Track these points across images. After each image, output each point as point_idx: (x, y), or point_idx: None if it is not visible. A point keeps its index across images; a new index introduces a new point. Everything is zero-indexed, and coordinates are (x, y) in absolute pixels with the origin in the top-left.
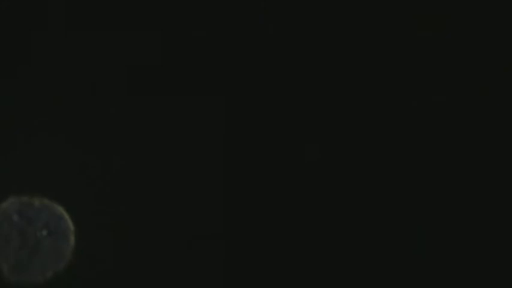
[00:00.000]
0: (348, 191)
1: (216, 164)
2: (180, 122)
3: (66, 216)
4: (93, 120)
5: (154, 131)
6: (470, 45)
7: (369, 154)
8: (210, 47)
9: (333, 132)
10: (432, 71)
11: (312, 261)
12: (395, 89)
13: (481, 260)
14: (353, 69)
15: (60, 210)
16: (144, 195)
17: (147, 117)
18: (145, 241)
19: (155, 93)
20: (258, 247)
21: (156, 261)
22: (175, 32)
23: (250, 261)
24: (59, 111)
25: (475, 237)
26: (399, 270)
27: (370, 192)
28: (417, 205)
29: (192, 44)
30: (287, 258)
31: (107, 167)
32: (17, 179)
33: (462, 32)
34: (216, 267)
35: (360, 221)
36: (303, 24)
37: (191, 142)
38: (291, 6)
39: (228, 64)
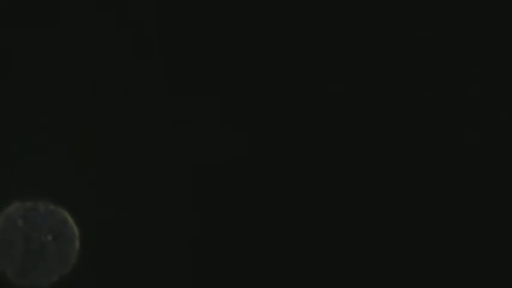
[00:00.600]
0: (348, 191)
1: (217, 164)
2: (181, 122)
3: (71, 221)
4: (98, 126)
5: (162, 136)
6: (470, 45)
7: (368, 154)
8: (208, 46)
9: (332, 132)
10: (432, 71)
11: (311, 261)
12: (396, 89)
13: (481, 260)
14: (352, 69)
15: (65, 215)
16: (148, 200)
17: (154, 121)
18: (149, 246)
19: (157, 93)
20: (258, 248)
21: (161, 267)
22: (174, 31)
23: (249, 262)
24: (63, 115)
25: (475, 237)
26: (399, 270)
27: (369, 192)
28: (417, 205)
29: (191, 43)
30: (285, 260)
31: (111, 171)
32: (22, 184)
33: (462, 32)
34: (218, 270)
35: (360, 221)
36: (303, 24)
37: (193, 142)
38: (291, 6)
39: (226, 64)
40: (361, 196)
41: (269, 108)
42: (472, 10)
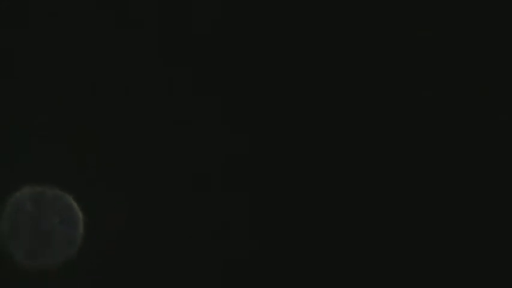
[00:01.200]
0: (347, 191)
1: (217, 163)
2: (181, 122)
3: (76, 206)
4: (98, 126)
5: (162, 136)
6: (470, 45)
7: (368, 154)
8: (208, 46)
9: (332, 132)
10: (432, 71)
11: (312, 261)
12: (396, 89)
13: (481, 260)
14: (352, 69)
15: (71, 200)
16: (149, 200)
17: (154, 121)
18: (150, 244)
19: (157, 93)
20: (258, 248)
21: (162, 251)
22: (174, 31)
23: (248, 261)
24: (63, 115)
25: (475, 237)
26: (399, 270)
27: (369, 192)
28: (417, 205)
29: (191, 43)
30: (286, 259)
31: (111, 171)
32: (21, 184)
33: (462, 32)
34: (217, 266)
35: (359, 221)
36: (303, 24)
37: (193, 142)
38: (290, 6)
39: (226, 64)
40: (361, 196)
41: (269, 108)
42: (472, 10)
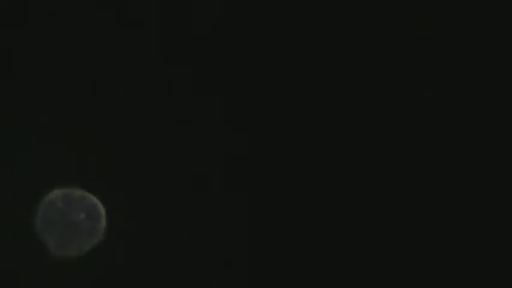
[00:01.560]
0: (347, 191)
1: (217, 163)
2: (181, 122)
3: (100, 203)
4: (98, 126)
5: (162, 136)
6: (470, 45)
7: (368, 154)
8: (208, 46)
9: (332, 132)
10: (432, 71)
11: (313, 261)
12: (396, 89)
13: (481, 260)
14: (352, 69)
15: (95, 199)
16: (149, 200)
17: (154, 121)
18: (149, 232)
19: (157, 93)
20: (257, 247)
21: (162, 250)
22: (174, 31)
23: (248, 260)
24: (63, 115)
25: (475, 237)
26: (399, 270)
27: (369, 193)
28: (417, 205)
29: (191, 43)
30: (286, 259)
31: (111, 171)
32: (30, 171)
33: (462, 32)
34: (217, 264)
35: (359, 221)
36: (303, 24)
37: (194, 142)
38: (290, 6)
39: (226, 64)
40: (361, 196)
41: (269, 108)
42: (472, 10)
